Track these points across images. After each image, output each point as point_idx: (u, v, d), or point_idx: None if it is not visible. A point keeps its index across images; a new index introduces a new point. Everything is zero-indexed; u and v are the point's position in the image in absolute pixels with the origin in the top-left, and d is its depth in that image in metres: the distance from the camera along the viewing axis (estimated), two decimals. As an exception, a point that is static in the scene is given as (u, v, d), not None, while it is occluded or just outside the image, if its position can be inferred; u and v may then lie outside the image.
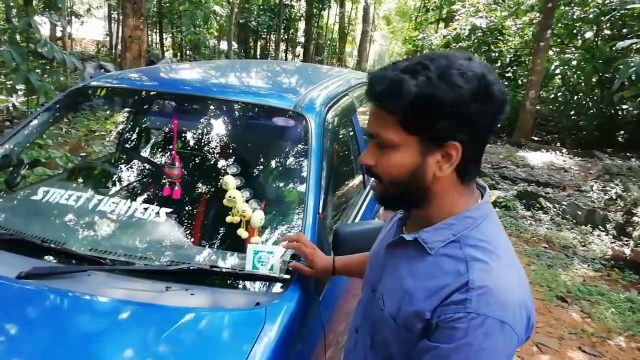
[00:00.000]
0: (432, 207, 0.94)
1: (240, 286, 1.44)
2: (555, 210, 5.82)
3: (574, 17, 10.38)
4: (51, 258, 1.47)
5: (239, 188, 1.68)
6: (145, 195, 1.79)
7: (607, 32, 10.33)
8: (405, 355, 0.94)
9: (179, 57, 16.22)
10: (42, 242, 1.48)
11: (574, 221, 5.56)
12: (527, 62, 11.61)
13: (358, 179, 2.49)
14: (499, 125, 0.93)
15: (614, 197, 6.18)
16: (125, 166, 2.03)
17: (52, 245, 1.48)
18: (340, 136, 2.33)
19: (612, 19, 9.64)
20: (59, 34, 12.95)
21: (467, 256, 0.88)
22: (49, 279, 1.37)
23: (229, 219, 1.68)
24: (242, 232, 1.65)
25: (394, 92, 0.86)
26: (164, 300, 1.33)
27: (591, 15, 9.89)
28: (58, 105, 2.11)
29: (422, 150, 0.88)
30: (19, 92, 5.64)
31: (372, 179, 0.99)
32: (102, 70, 8.92)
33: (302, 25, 20.76)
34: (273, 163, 1.93)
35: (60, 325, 1.24)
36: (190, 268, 1.41)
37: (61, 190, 1.67)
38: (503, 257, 0.90)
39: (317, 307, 1.52)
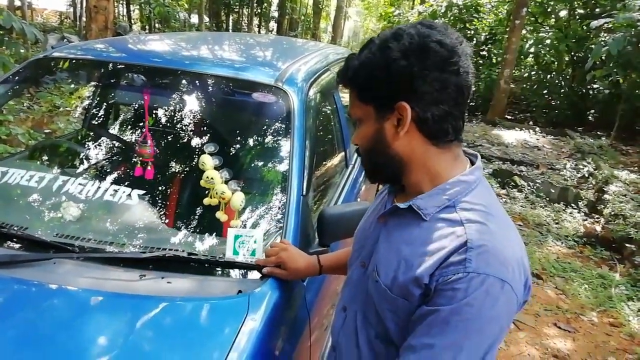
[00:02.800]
0: (416, 174, 0.94)
1: (220, 273, 1.35)
2: (529, 188, 5.89)
3: (549, -5, 10.40)
4: (13, 245, 1.34)
5: (217, 168, 1.58)
6: (115, 176, 1.67)
7: (580, 11, 10.39)
8: (401, 328, 0.92)
9: (147, 30, 15.62)
10: (1, 227, 1.35)
11: (548, 199, 5.64)
12: (502, 40, 11.63)
13: (340, 157, 2.41)
14: (467, 89, 0.91)
15: (586, 175, 6.30)
16: (92, 144, 1.89)
17: (13, 231, 1.35)
18: (323, 113, 2.23)
19: (586, -2, 9.70)
20: (17, 3, 12.25)
21: (464, 218, 0.87)
22: (10, 268, 1.25)
23: (206, 201, 1.58)
24: (221, 215, 1.55)
25: (343, 69, 0.96)
26: (139, 289, 1.23)
27: (566, -6, 9.92)
28: (16, 78, 1.94)
29: (378, 118, 0.93)
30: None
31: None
32: (66, 41, 8.47)
33: (275, -1, 20.27)
34: (253, 141, 1.82)
35: (23, 318, 1.13)
36: (166, 256, 1.30)
37: (21, 171, 1.52)
38: (499, 219, 0.90)
39: (302, 292, 1.44)
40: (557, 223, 5.11)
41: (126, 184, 1.56)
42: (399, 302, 0.91)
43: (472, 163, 0.98)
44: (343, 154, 2.42)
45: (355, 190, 2.32)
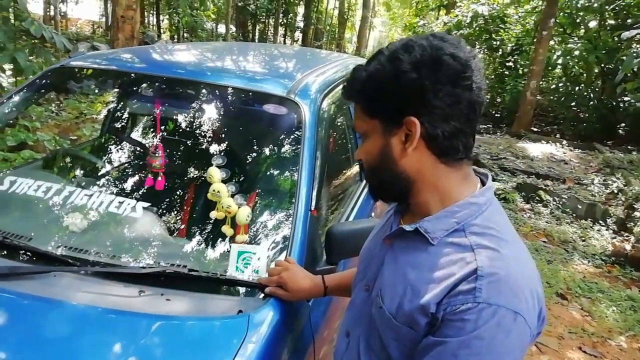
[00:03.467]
0: (424, 194, 0.89)
1: (221, 291, 1.30)
2: (555, 203, 5.71)
3: (578, 5, 10.15)
4: (14, 255, 1.33)
5: (224, 181, 1.54)
6: (123, 187, 1.65)
7: (611, 21, 10.12)
8: (405, 357, 0.87)
9: (175, 40, 15.92)
10: (4, 238, 1.34)
11: (574, 215, 5.45)
12: (528, 51, 11.41)
13: (354, 171, 2.35)
14: (480, 102, 0.86)
15: (615, 191, 6.06)
16: (104, 154, 1.89)
17: (15, 242, 1.34)
18: (337, 126, 2.19)
19: (617, 8, 9.44)
20: (53, 13, 12.64)
21: (474, 243, 0.82)
22: (9, 280, 1.23)
23: (213, 214, 1.54)
24: (226, 230, 1.51)
25: (350, 81, 0.91)
26: (137, 306, 1.20)
27: (595, 4, 9.66)
28: (33, 87, 1.95)
29: (384, 132, 0.88)
30: (8, 72, 5.45)
31: None
32: (83, 51, 8.65)
33: (301, 9, 20.38)
34: (263, 154, 1.78)
35: (18, 333, 1.11)
36: (166, 272, 1.27)
37: (30, 180, 1.52)
38: (512, 244, 0.85)
39: (306, 313, 1.39)
40: (583, 240, 4.93)
41: (132, 195, 1.54)
42: (403, 331, 0.86)
43: (483, 183, 0.93)
44: (358, 167, 2.36)
45: (369, 206, 2.26)
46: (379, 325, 0.92)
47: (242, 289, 1.31)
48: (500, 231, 0.85)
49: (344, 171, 2.25)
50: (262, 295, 1.28)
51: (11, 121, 3.02)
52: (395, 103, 0.85)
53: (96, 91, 2.03)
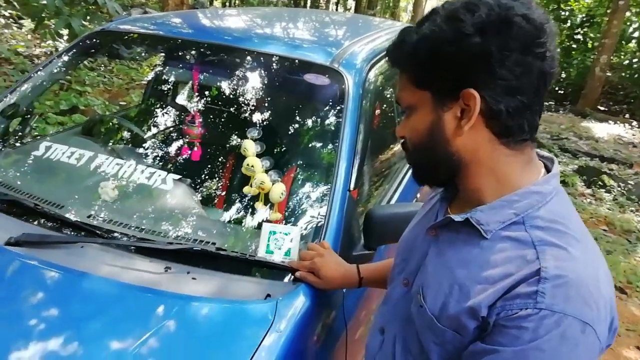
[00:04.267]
0: (478, 179, 0.77)
1: (249, 272, 1.23)
2: (619, 189, 5.31)
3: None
4: (45, 223, 1.30)
5: (259, 155, 1.46)
6: (157, 157, 1.59)
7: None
8: None
9: (227, 6, 15.89)
10: (36, 206, 1.31)
11: (640, 203, 5.05)
12: (600, 23, 10.55)
13: (400, 150, 2.20)
14: (551, 74, 0.72)
15: (689, 179, 5.57)
16: (140, 123, 1.84)
17: (46, 210, 1.31)
18: (383, 99, 2.04)
19: None
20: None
21: (536, 239, 0.70)
22: (39, 248, 1.21)
23: (246, 189, 1.46)
24: (259, 207, 1.43)
25: (398, 45, 0.78)
26: (161, 283, 1.15)
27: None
28: (75, 50, 1.92)
29: (436, 106, 0.75)
30: (64, 37, 5.58)
31: None
32: (125, 14, 8.72)
33: (355, -24, 19.79)
34: (301, 127, 1.67)
35: (39, 304, 1.08)
36: (193, 249, 1.21)
37: (64, 147, 1.49)
38: (582, 242, 0.73)
39: (339, 300, 1.30)
40: (649, 231, 4.56)
41: (166, 166, 1.49)
42: (447, 335, 0.76)
43: (547, 169, 0.79)
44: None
45: (415, 189, 2.12)
46: (418, 326, 0.81)
47: (271, 272, 1.23)
48: (569, 226, 0.72)
49: (388, 149, 2.11)
50: (293, 279, 1.19)
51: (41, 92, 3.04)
52: (452, 72, 0.72)
53: (139, 56, 1.97)
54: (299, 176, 1.47)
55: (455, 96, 0.73)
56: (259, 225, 1.34)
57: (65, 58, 1.89)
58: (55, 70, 1.89)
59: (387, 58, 0.83)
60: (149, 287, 1.13)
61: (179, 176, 1.39)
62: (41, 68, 1.83)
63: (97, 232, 1.26)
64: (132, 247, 1.22)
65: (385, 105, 2.09)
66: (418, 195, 2.21)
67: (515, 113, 0.71)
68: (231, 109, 1.72)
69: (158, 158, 1.59)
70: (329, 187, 1.38)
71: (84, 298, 1.10)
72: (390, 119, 2.14)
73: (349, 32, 2.40)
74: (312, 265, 1.17)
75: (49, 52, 6.15)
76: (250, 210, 1.41)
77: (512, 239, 0.72)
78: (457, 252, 0.77)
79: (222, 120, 1.77)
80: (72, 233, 1.27)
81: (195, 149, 1.76)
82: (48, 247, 1.22)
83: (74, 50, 1.91)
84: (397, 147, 2.19)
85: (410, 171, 2.12)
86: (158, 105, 1.92)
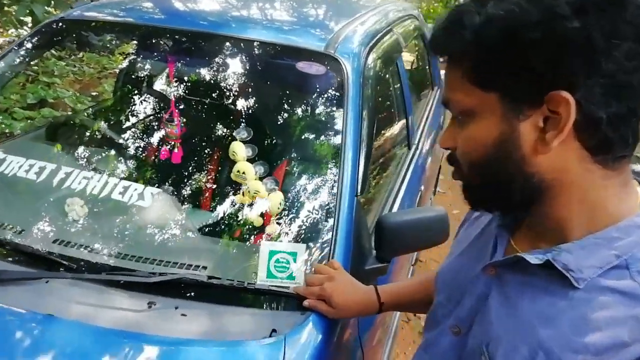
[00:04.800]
0: (564, 208, 0.58)
1: (249, 303, 1.05)
2: None
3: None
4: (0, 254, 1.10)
5: (251, 160, 1.26)
6: (131, 166, 1.39)
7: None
8: None
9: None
10: (-12, 233, 1.11)
11: None
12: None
13: (401, 137, 2.03)
14: None
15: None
16: (110, 124, 1.62)
17: (1, 238, 1.11)
18: (383, 85, 1.85)
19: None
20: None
21: None
22: (-5, 286, 1.01)
23: (238, 199, 1.27)
24: (255, 220, 1.25)
25: (451, 29, 0.58)
26: (144, 324, 0.96)
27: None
28: (36, 40, 1.68)
29: (507, 113, 0.56)
30: (28, 25, 5.22)
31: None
32: (88, 1, 8.30)
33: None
34: (297, 124, 1.48)
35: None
36: (182, 279, 1.02)
37: (20, 158, 1.27)
38: None
39: (355, 331, 1.14)
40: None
41: (142, 177, 1.28)
42: None
43: None
44: (405, 132, 2.04)
45: (420, 179, 1.95)
46: None
47: (275, 301, 1.05)
48: None
49: (390, 139, 1.93)
50: (300, 307, 1.02)
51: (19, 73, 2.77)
52: (535, 68, 0.53)
53: (109, 45, 1.73)
54: (298, 182, 1.28)
55: (536, 100, 0.54)
56: (256, 245, 1.16)
57: (29, 46, 1.65)
58: (18, 61, 1.66)
59: (431, 46, 0.62)
60: (129, 330, 0.94)
61: (157, 190, 1.19)
62: (0, 59, 1.60)
63: (64, 262, 1.06)
64: (108, 281, 1.03)
65: (384, 92, 1.90)
66: (422, 188, 2.05)
67: (618, 121, 0.53)
68: (215, 105, 1.51)
69: (132, 166, 1.38)
70: (334, 193, 1.20)
71: (48, 349, 0.91)
72: (389, 106, 1.96)
73: (338, 14, 2.19)
74: (321, 292, 0.99)
75: (12, 41, 5.76)
76: (245, 224, 1.22)
77: (616, 291, 0.54)
78: (534, 303, 0.59)
79: (205, 117, 1.56)
80: (33, 265, 1.07)
81: (176, 150, 1.56)
82: (5, 285, 1.02)
83: (37, 39, 1.66)
84: (400, 135, 2.01)
85: (413, 164, 1.97)
86: (130, 103, 1.69)
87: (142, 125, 1.58)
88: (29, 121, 3.80)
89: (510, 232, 0.67)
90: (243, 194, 1.26)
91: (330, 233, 1.14)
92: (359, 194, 1.24)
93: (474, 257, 0.70)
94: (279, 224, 1.17)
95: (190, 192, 1.33)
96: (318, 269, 1.05)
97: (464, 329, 0.68)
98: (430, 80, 2.98)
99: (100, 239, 1.12)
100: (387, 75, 1.87)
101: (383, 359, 1.42)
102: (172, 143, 1.55)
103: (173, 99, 1.55)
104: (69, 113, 3.79)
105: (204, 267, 1.10)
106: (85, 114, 2.02)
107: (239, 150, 1.27)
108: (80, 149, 1.39)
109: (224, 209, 1.25)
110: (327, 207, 1.20)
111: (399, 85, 1.98)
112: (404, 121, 1.99)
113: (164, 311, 0.99)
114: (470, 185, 0.65)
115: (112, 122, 1.62)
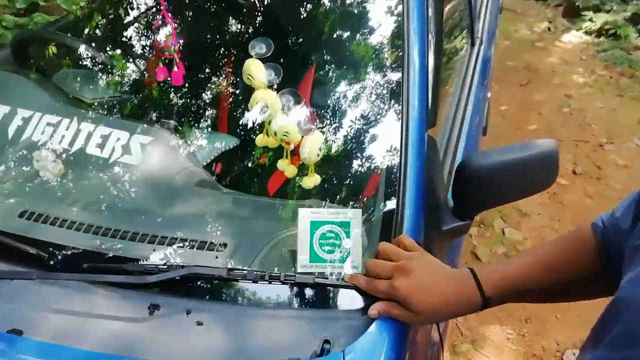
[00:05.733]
0: None
1: (286, 301, 0.75)
2: (682, 37, 4.53)
3: None
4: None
5: (273, 86, 0.89)
6: (115, 100, 1.03)
7: None
8: None
9: None
10: None
11: None
12: None
13: (464, 33, 1.56)
14: None
15: None
16: (86, 39, 1.22)
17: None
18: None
19: None
20: None
21: None
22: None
23: (259, 141, 0.92)
24: (285, 168, 0.91)
25: None
26: (144, 342, 0.68)
27: None
28: None
29: None
30: None
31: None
32: None
33: None
34: (337, 36, 1.06)
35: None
36: (190, 274, 0.71)
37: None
38: None
39: (436, 334, 0.84)
40: None
41: (128, 111, 0.93)
42: None
43: None
44: (468, 24, 1.57)
45: (486, 82, 1.53)
46: None
47: (325, 297, 0.75)
48: None
49: (452, 34, 1.48)
50: (362, 308, 0.72)
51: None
52: None
53: None
54: (342, 118, 0.91)
55: None
56: (291, 208, 0.83)
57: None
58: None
59: None
60: (123, 356, 0.66)
61: (148, 138, 0.84)
62: None
63: (31, 251, 0.76)
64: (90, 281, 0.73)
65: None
66: (489, 95, 1.64)
67: None
68: (224, 6, 1.10)
69: (116, 101, 1.02)
70: (397, 130, 0.83)
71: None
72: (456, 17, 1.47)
73: None
74: (391, 291, 0.67)
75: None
76: (268, 181, 0.88)
77: None
78: None
79: (211, 22, 1.16)
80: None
81: (176, 68, 1.18)
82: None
83: None
84: (463, 30, 1.55)
85: (480, 57, 1.51)
86: (111, 9, 1.28)
87: (128, 39, 1.18)
88: (21, 30, 3.39)
89: None
90: (266, 135, 0.91)
91: (396, 187, 0.80)
92: (431, 126, 0.87)
93: None
94: (323, 180, 0.83)
95: (193, 132, 0.98)
96: (384, 250, 0.72)
97: None
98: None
99: (76, 214, 0.80)
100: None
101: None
102: (171, 60, 1.18)
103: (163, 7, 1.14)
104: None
105: (223, 245, 0.79)
106: (60, 26, 1.59)
107: (257, 72, 0.88)
108: (44, 78, 1.03)
109: (242, 157, 0.90)
110: (389, 151, 0.84)
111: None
112: (468, 11, 1.52)
113: (171, 319, 0.71)
114: None
115: (88, 38, 1.23)
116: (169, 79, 1.18)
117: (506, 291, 0.68)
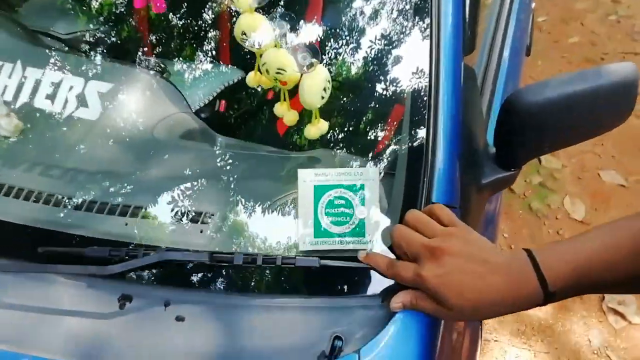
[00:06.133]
0: None
1: (285, 288, 0.60)
2: None
3: None
4: None
5: (263, 8, 0.68)
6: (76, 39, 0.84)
7: None
8: None
9: None
10: None
11: None
12: None
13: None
14: None
15: None
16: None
17: None
18: None
19: None
20: None
21: None
22: None
23: (250, 79, 0.74)
24: (285, 114, 0.73)
25: None
26: (113, 345, 0.55)
27: None
28: None
29: None
30: None
31: None
32: None
33: None
34: None
35: None
36: (165, 259, 0.56)
37: None
38: None
39: (475, 333, 0.69)
40: None
41: (96, 53, 0.75)
42: None
43: None
44: None
45: (522, 25, 1.26)
46: None
47: (335, 282, 0.60)
48: None
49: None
50: (381, 296, 0.57)
51: None
52: None
53: None
54: (357, 45, 0.71)
55: None
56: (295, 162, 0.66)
57: None
58: None
59: None
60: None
61: (108, 85, 0.67)
62: None
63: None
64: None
65: None
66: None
67: None
68: None
69: (82, 36, 0.83)
70: (426, 60, 0.63)
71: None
72: None
73: None
74: (418, 280, 0.52)
75: None
76: (263, 129, 0.71)
77: None
78: None
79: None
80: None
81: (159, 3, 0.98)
82: None
83: None
84: None
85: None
86: None
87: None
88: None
89: None
90: (256, 73, 0.72)
91: (424, 135, 0.62)
92: (467, 52, 0.67)
93: None
94: (333, 127, 0.65)
95: (180, 72, 0.79)
96: (414, 220, 0.55)
97: None
98: None
99: (22, 180, 0.65)
100: None
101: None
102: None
103: None
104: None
105: (210, 215, 0.64)
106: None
107: (241, -11, 0.68)
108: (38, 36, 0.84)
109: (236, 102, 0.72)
110: (412, 87, 0.65)
111: None
112: None
113: (145, 314, 0.57)
114: None
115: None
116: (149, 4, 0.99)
117: (577, 285, 0.50)
